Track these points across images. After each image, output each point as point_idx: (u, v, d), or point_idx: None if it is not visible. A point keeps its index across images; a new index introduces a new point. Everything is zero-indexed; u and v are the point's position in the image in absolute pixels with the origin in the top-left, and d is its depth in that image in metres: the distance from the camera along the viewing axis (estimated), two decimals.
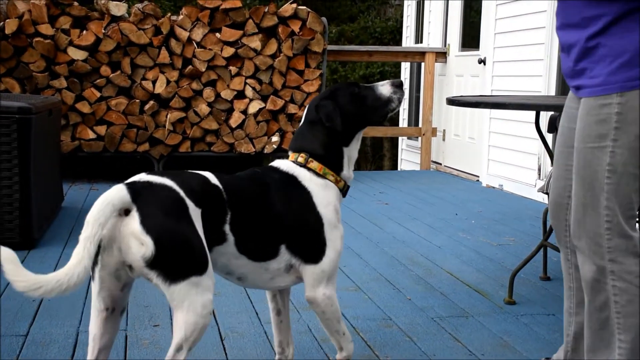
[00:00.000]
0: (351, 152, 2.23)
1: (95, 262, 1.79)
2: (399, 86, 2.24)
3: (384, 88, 2.23)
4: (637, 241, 1.93)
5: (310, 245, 2.09)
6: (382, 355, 2.59)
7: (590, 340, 2.02)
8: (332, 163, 2.17)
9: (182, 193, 1.85)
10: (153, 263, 1.76)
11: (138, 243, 1.75)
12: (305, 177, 2.14)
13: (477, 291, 3.36)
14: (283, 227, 2.06)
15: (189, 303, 1.82)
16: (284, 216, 2.06)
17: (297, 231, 2.08)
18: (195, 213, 1.86)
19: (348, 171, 2.22)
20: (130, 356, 2.52)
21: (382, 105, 2.23)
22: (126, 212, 1.77)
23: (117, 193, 1.75)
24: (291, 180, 2.13)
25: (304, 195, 2.12)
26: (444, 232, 4.58)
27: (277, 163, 2.19)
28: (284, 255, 2.07)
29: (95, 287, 1.86)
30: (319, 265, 2.10)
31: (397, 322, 2.92)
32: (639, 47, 1.82)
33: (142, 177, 1.88)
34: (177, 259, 1.79)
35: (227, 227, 1.96)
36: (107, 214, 1.72)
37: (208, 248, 1.90)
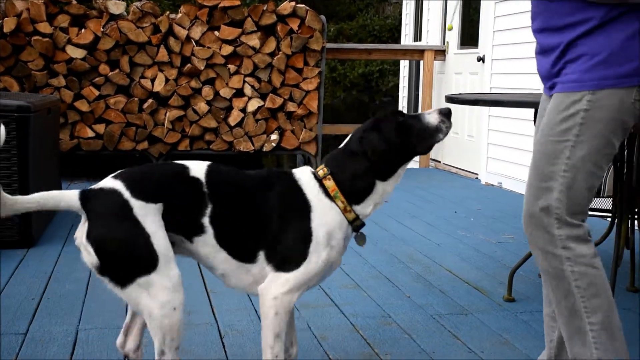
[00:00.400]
0: (386, 187, 2.07)
1: None
2: (447, 115, 2.08)
3: (432, 117, 2.07)
4: (586, 229, 1.96)
5: (289, 257, 1.98)
6: (381, 352, 2.59)
7: (564, 329, 2.03)
8: (352, 192, 2.04)
9: (126, 195, 1.87)
10: (101, 270, 1.86)
11: (87, 253, 1.86)
12: (312, 192, 2.03)
13: (476, 289, 3.36)
14: (268, 233, 1.98)
15: (144, 306, 1.87)
16: (273, 223, 1.97)
17: (281, 241, 1.97)
18: (144, 211, 1.86)
19: (365, 208, 2.06)
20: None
21: (429, 135, 2.07)
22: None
23: (70, 195, 1.90)
24: (296, 189, 2.04)
25: (303, 206, 2.01)
26: (443, 230, 4.58)
27: (296, 170, 2.10)
28: (262, 263, 1.99)
29: None
30: (287, 274, 1.97)
31: (397, 320, 2.92)
32: (615, 48, 1.84)
33: (103, 182, 1.93)
34: (118, 264, 1.85)
35: (205, 220, 1.94)
36: (55, 199, 1.90)
37: (188, 237, 1.95)
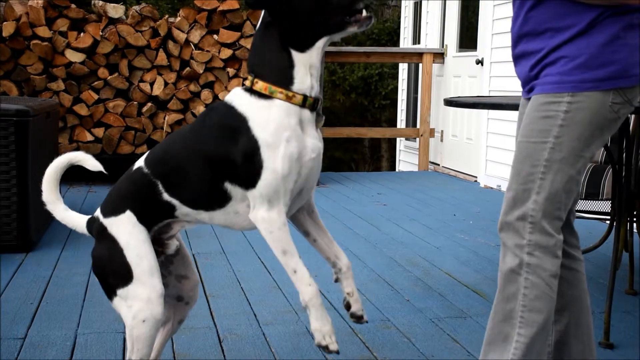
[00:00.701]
0: (310, 60, 1.89)
1: None
2: None
3: None
4: (558, 242, 1.93)
5: (246, 171, 1.89)
6: (380, 356, 2.59)
7: (490, 332, 2.01)
8: (278, 77, 1.89)
9: (100, 217, 2.05)
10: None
11: None
12: (243, 103, 1.91)
13: (475, 292, 3.36)
14: (216, 165, 1.91)
15: (123, 315, 1.98)
16: (216, 154, 1.91)
17: (230, 161, 1.90)
18: (115, 225, 2.00)
19: (303, 82, 1.89)
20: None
21: (346, 6, 1.87)
22: None
23: (81, 222, 2.14)
24: (227, 110, 1.93)
25: (238, 122, 1.90)
26: (442, 233, 4.58)
27: (228, 95, 1.99)
28: (234, 190, 1.93)
29: None
30: (256, 189, 1.89)
31: (396, 323, 2.92)
32: (595, 51, 1.85)
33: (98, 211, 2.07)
34: (101, 279, 2.02)
35: (165, 196, 1.98)
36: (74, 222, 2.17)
37: (169, 217, 2.01)
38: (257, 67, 1.92)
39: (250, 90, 1.92)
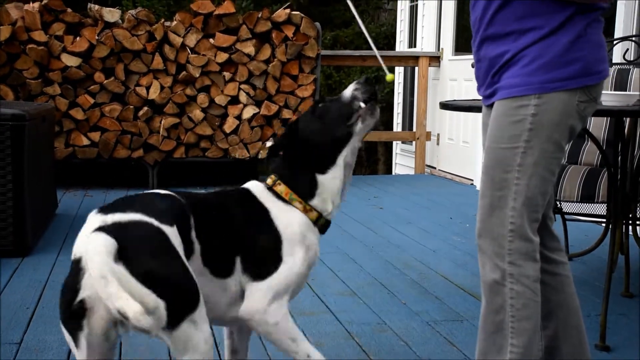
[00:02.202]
0: (329, 182, 1.97)
1: (78, 328, 1.58)
2: (364, 82, 1.97)
3: (347, 90, 1.98)
4: (536, 246, 1.93)
5: (263, 262, 1.88)
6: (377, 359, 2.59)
7: (483, 344, 2.02)
8: (301, 190, 1.97)
9: (155, 222, 1.65)
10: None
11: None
12: (267, 198, 1.97)
13: (471, 295, 3.36)
14: (239, 239, 1.89)
15: (192, 344, 1.65)
16: (241, 228, 1.89)
17: (252, 245, 1.89)
18: (173, 236, 1.68)
19: (324, 203, 1.98)
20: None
21: (347, 112, 1.95)
22: None
23: (106, 240, 1.54)
24: (250, 198, 1.97)
25: (261, 211, 1.94)
26: (439, 236, 4.58)
27: (246, 183, 2.05)
28: (238, 272, 1.88)
29: (81, 355, 1.62)
30: (266, 281, 1.87)
31: (392, 327, 2.92)
32: (558, 50, 1.83)
33: (104, 218, 1.64)
34: (173, 304, 1.58)
35: (193, 234, 1.79)
36: (112, 263, 1.51)
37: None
38: (280, 170, 2.00)
39: (270, 189, 1.99)
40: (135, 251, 1.56)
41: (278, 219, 1.93)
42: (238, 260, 1.88)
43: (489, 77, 1.97)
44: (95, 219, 1.65)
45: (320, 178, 1.98)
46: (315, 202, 1.98)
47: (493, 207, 1.93)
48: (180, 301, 1.61)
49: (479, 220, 1.98)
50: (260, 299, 1.87)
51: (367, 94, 1.96)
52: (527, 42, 1.86)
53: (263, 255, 1.90)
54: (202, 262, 1.81)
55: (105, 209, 1.68)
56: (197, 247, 1.79)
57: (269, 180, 2.00)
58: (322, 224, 2.01)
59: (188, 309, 1.63)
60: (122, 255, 1.54)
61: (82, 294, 1.55)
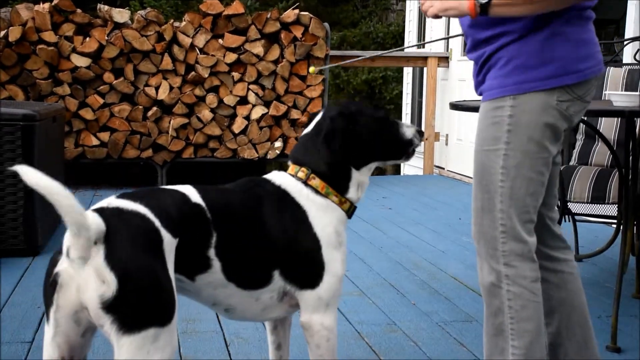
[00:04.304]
0: (362, 178, 2.03)
1: (50, 303, 1.54)
2: (421, 134, 2.12)
3: (410, 130, 2.08)
4: (532, 246, 1.92)
5: (306, 270, 1.88)
6: None
7: (487, 346, 2.01)
8: (336, 184, 1.97)
9: (157, 223, 1.60)
10: (111, 306, 1.49)
11: (99, 280, 1.49)
12: (302, 194, 1.92)
13: (481, 296, 3.35)
14: (276, 249, 1.84)
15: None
16: (278, 237, 1.84)
17: (292, 254, 1.86)
18: (170, 247, 1.61)
19: (356, 194, 2.02)
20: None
21: (402, 145, 2.07)
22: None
23: (93, 220, 1.51)
24: (284, 197, 1.91)
25: (299, 213, 1.90)
26: (448, 237, 4.58)
27: (272, 175, 1.98)
28: (278, 283, 1.86)
29: (49, 331, 1.57)
30: (316, 291, 1.88)
31: (402, 327, 2.92)
32: (533, 51, 1.83)
33: (112, 202, 1.64)
34: (140, 304, 1.50)
35: (211, 252, 1.73)
36: (89, 236, 1.50)
37: (190, 277, 1.72)
38: (314, 164, 1.97)
39: (305, 183, 1.95)
40: (120, 238, 1.53)
41: (315, 220, 1.91)
42: (277, 273, 1.86)
43: (476, 78, 2.01)
44: (106, 200, 1.66)
45: (355, 173, 2.02)
46: (349, 194, 2.01)
47: (484, 210, 1.94)
48: (146, 305, 1.51)
49: (473, 224, 1.99)
50: (319, 314, 1.90)
51: (417, 144, 2.12)
52: (503, 43, 1.87)
53: (304, 264, 1.89)
54: (225, 277, 1.77)
55: (123, 195, 1.67)
56: (216, 264, 1.74)
57: (301, 174, 1.96)
58: (352, 211, 2.04)
59: (153, 320, 1.52)
60: (107, 239, 1.52)
61: (57, 268, 1.54)
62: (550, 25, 1.82)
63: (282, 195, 1.92)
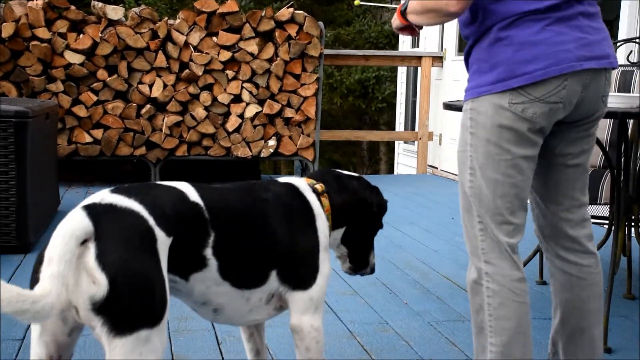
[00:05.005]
0: (335, 234, 2.08)
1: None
2: (369, 271, 2.22)
3: (373, 258, 2.21)
4: (510, 247, 1.93)
5: (303, 271, 1.90)
6: (378, 359, 2.59)
7: (474, 345, 2.03)
8: (333, 220, 2.05)
9: (151, 221, 1.57)
10: (102, 307, 1.47)
11: (89, 280, 1.47)
12: (314, 200, 1.98)
13: None
14: (278, 250, 1.85)
15: None
16: (281, 237, 1.86)
17: (293, 255, 1.88)
18: (164, 245, 1.58)
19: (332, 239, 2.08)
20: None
21: (364, 257, 2.18)
22: (83, 240, 1.50)
23: (79, 222, 1.49)
24: (297, 195, 1.96)
25: (309, 215, 1.94)
26: (441, 237, 4.58)
27: (286, 178, 2.04)
28: (272, 283, 1.86)
29: (36, 329, 1.57)
30: (308, 292, 1.90)
31: (394, 327, 2.93)
32: (483, 56, 1.88)
33: (105, 197, 1.59)
34: (131, 306, 1.48)
35: (208, 251, 1.71)
36: (73, 249, 1.45)
37: (184, 276, 1.70)
38: (332, 191, 2.06)
39: (316, 194, 2.02)
40: (112, 238, 1.50)
41: (320, 224, 1.97)
42: (274, 273, 1.87)
43: None
44: (100, 194, 1.62)
45: (338, 231, 2.11)
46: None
47: (464, 209, 2.00)
48: (137, 307, 1.49)
49: (462, 223, 2.03)
50: (309, 315, 1.91)
51: (362, 272, 2.21)
52: (468, 48, 1.96)
53: (303, 266, 1.91)
54: (221, 276, 1.76)
55: (118, 189, 1.64)
56: (213, 263, 1.73)
57: (319, 187, 2.04)
58: None
59: (144, 322, 1.50)
60: (99, 238, 1.49)
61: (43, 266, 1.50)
62: (492, 30, 1.87)
63: (294, 193, 1.96)
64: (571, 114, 1.92)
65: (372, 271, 2.21)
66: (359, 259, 2.17)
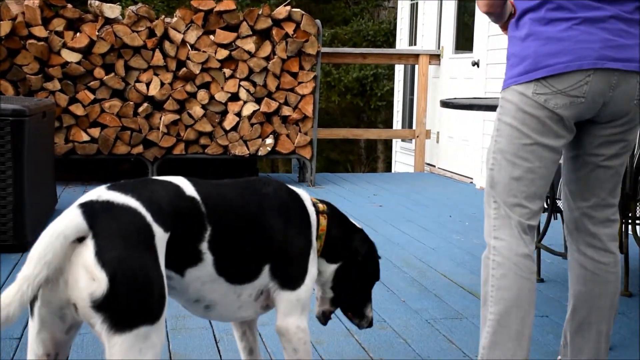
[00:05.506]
0: (327, 268, 2.09)
1: (34, 298, 1.51)
2: (367, 325, 2.24)
3: (370, 312, 2.23)
4: (522, 225, 2.00)
5: (293, 270, 1.92)
6: (376, 357, 2.60)
7: (481, 317, 2.08)
8: (323, 247, 2.06)
9: (148, 217, 1.57)
10: (101, 305, 1.47)
11: (89, 278, 1.47)
12: (312, 211, 2.02)
13: (471, 293, 3.37)
14: (273, 244, 1.87)
15: None
16: (277, 231, 1.88)
17: (287, 251, 1.90)
18: (161, 241, 1.59)
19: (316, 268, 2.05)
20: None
21: (360, 304, 2.21)
22: (80, 238, 1.50)
23: (71, 221, 1.49)
24: (296, 199, 2.00)
25: (305, 218, 1.98)
26: (438, 234, 4.59)
27: (299, 191, 2.06)
28: (263, 278, 1.87)
29: (33, 327, 1.56)
30: (295, 293, 1.91)
31: (392, 324, 2.93)
32: (513, 51, 2.04)
33: (102, 194, 1.60)
34: (131, 303, 1.49)
35: (204, 246, 1.72)
36: (57, 249, 1.46)
37: (180, 272, 1.70)
38: (331, 218, 2.07)
39: (317, 211, 2.05)
40: (111, 235, 1.50)
41: (314, 230, 2.00)
42: (266, 268, 1.88)
43: None
44: (96, 191, 1.62)
45: (328, 265, 2.11)
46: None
47: (486, 191, 2.10)
48: (137, 304, 1.50)
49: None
50: (295, 316, 1.92)
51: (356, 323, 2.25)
52: (507, 45, 2.10)
53: (293, 264, 1.93)
54: (216, 271, 1.77)
55: (114, 186, 1.64)
56: (208, 257, 1.73)
57: (321, 206, 2.07)
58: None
59: (143, 319, 1.51)
60: (97, 235, 1.49)
61: None
62: (525, 26, 2.00)
63: (294, 197, 2.00)
64: (599, 113, 1.99)
65: (370, 325, 2.21)
66: (354, 307, 2.19)
